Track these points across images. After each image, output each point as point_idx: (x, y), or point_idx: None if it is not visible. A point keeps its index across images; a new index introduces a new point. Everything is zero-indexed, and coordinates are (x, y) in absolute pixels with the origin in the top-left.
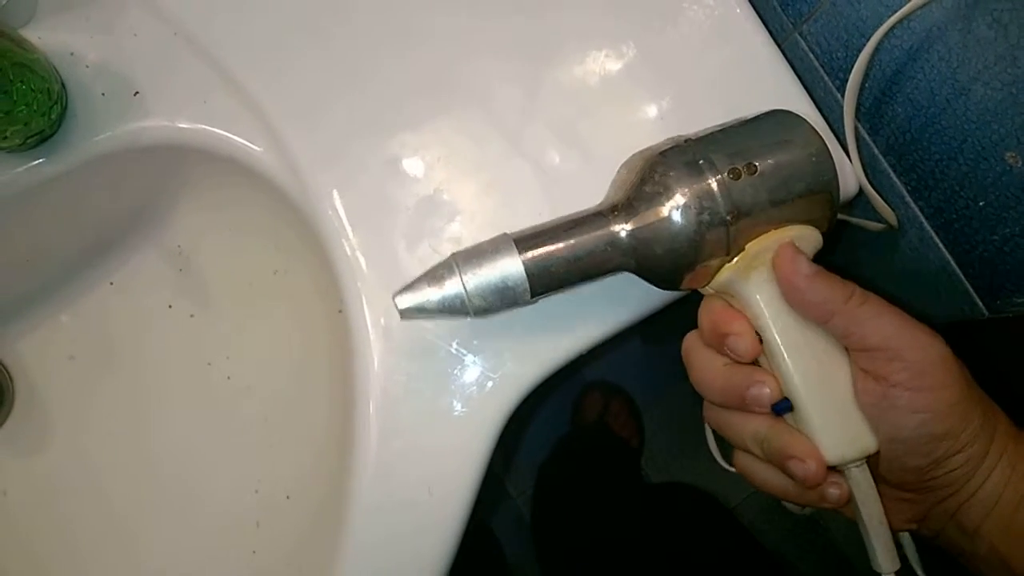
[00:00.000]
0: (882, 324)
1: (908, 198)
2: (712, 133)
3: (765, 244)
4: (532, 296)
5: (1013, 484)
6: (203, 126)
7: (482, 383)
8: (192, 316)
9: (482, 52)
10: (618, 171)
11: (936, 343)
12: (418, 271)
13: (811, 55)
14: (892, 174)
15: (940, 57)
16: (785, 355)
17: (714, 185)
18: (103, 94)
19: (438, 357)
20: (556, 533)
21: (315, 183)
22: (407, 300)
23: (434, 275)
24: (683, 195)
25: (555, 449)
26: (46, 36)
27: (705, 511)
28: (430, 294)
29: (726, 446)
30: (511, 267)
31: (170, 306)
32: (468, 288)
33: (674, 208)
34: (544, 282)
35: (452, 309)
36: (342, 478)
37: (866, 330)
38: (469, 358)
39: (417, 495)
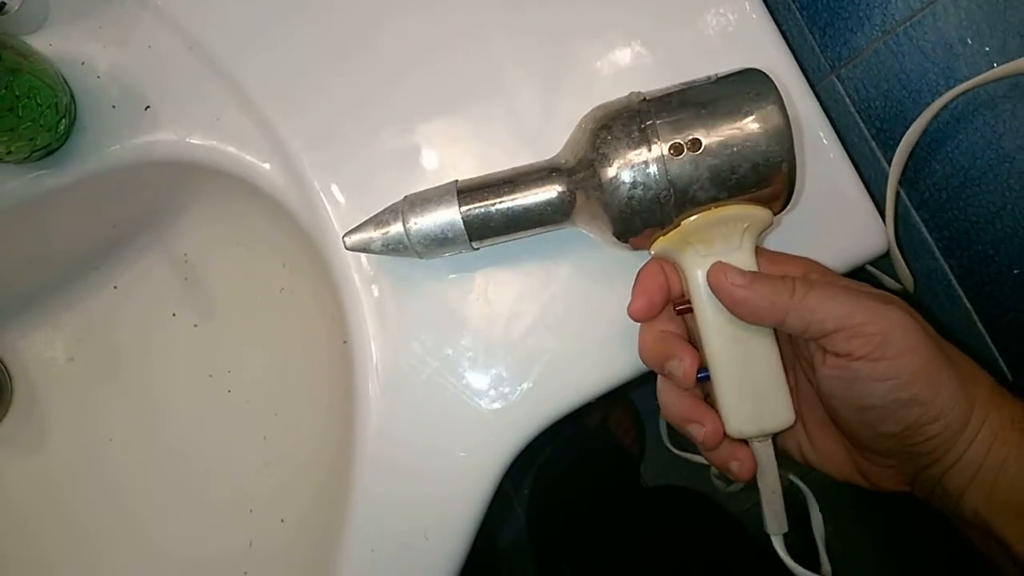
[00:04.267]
0: (835, 306)
1: (939, 255)
2: (669, 95)
3: (702, 221)
4: (472, 245)
5: (995, 450)
6: (214, 143)
7: (485, 426)
8: (195, 326)
9: (502, 81)
10: (577, 124)
11: (893, 311)
12: (426, 308)
13: (847, 99)
14: (924, 229)
15: (987, 123)
16: (708, 329)
17: (652, 159)
18: (113, 106)
19: (442, 399)
20: (553, 537)
21: (324, 207)
22: (352, 240)
23: (380, 219)
24: (620, 166)
25: (554, 452)
26: (57, 44)
27: (706, 520)
28: (374, 236)
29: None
30: (451, 218)
31: (174, 314)
32: (410, 234)
33: (610, 178)
34: (483, 233)
35: (395, 251)
36: (338, 510)
37: (821, 316)
38: (474, 401)
39: (412, 538)
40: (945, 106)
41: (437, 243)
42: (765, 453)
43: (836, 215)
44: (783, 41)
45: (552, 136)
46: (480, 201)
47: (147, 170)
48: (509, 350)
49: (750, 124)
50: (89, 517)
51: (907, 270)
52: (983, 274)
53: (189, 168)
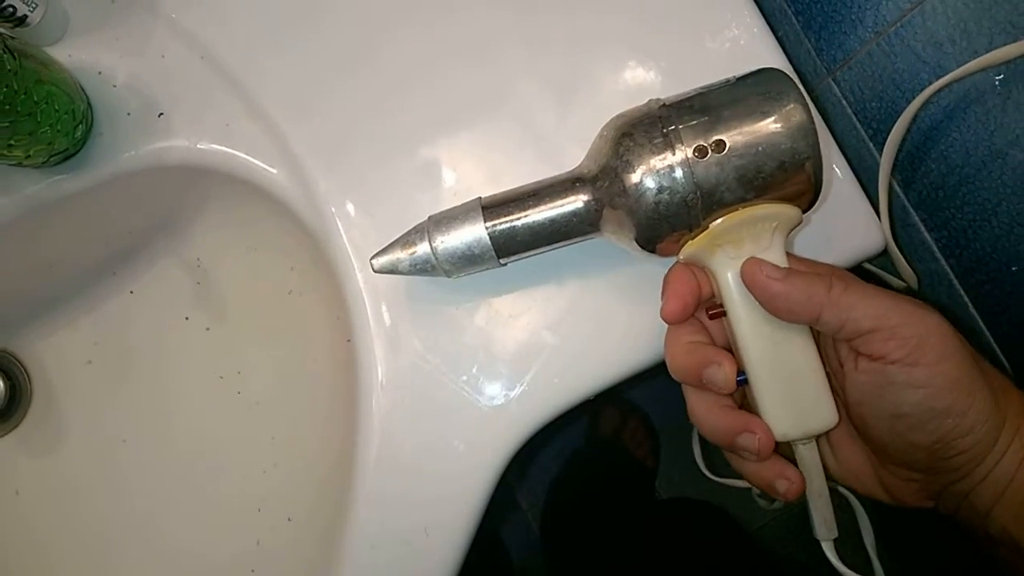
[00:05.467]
0: (873, 305)
1: (939, 254)
2: (689, 99)
3: (731, 223)
4: (500, 261)
5: None
6: (224, 148)
7: (486, 423)
8: (208, 329)
9: (508, 93)
10: (598, 134)
11: (930, 317)
12: (429, 308)
13: (844, 102)
14: (923, 229)
15: (978, 119)
16: (744, 330)
17: (677, 163)
18: (128, 113)
19: (444, 394)
20: (566, 549)
21: (330, 212)
22: (380, 262)
23: (407, 240)
24: (645, 172)
25: (569, 464)
26: (76, 54)
27: (721, 533)
28: (402, 257)
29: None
30: (477, 235)
31: (187, 318)
32: (437, 254)
33: (635, 185)
34: (509, 248)
35: (423, 270)
36: (342, 507)
37: (857, 315)
38: (474, 397)
39: (413, 533)
40: (931, 98)
41: (465, 261)
42: (810, 456)
43: (834, 214)
44: (779, 48)
45: (565, 149)
46: (505, 216)
47: (160, 175)
48: (509, 347)
49: (773, 122)
50: (102, 516)
51: (908, 267)
52: (982, 272)
53: (200, 173)
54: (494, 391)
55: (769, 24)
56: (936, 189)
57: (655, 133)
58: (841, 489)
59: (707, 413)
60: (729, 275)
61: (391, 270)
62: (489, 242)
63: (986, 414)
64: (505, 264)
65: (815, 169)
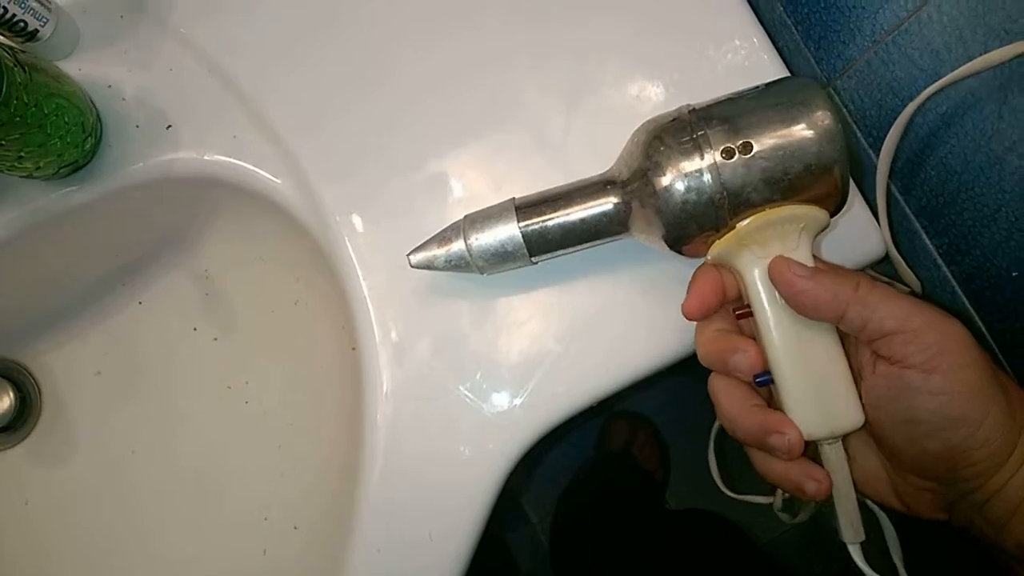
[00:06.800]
0: (896, 307)
1: (940, 261)
2: (718, 103)
3: (757, 223)
4: (532, 259)
5: None
6: (231, 159)
7: (489, 429)
8: (215, 340)
9: (519, 106)
10: (629, 138)
11: (952, 324)
12: (433, 315)
13: (844, 110)
14: (924, 236)
15: (975, 125)
16: (770, 329)
17: (705, 165)
18: (137, 126)
19: (447, 400)
20: (576, 562)
21: (335, 222)
22: (417, 258)
23: (443, 237)
24: (673, 173)
25: (577, 475)
26: (86, 68)
27: (731, 548)
28: (438, 253)
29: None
30: (511, 233)
31: (195, 329)
32: (471, 251)
33: (664, 187)
34: (542, 247)
35: (458, 267)
36: (348, 514)
37: (881, 314)
38: (478, 404)
39: (418, 537)
40: (929, 104)
41: (498, 258)
42: (836, 457)
43: (835, 221)
44: (780, 58)
45: (573, 160)
46: (538, 216)
47: (168, 186)
48: (513, 355)
49: (801, 126)
50: (109, 525)
51: (911, 273)
52: (983, 279)
53: (208, 184)
54: (499, 398)
55: (769, 35)
56: (936, 195)
57: (684, 137)
58: (868, 502)
59: (738, 412)
60: (756, 273)
61: (427, 266)
62: (522, 240)
63: (1002, 425)
64: (536, 263)
65: (842, 173)
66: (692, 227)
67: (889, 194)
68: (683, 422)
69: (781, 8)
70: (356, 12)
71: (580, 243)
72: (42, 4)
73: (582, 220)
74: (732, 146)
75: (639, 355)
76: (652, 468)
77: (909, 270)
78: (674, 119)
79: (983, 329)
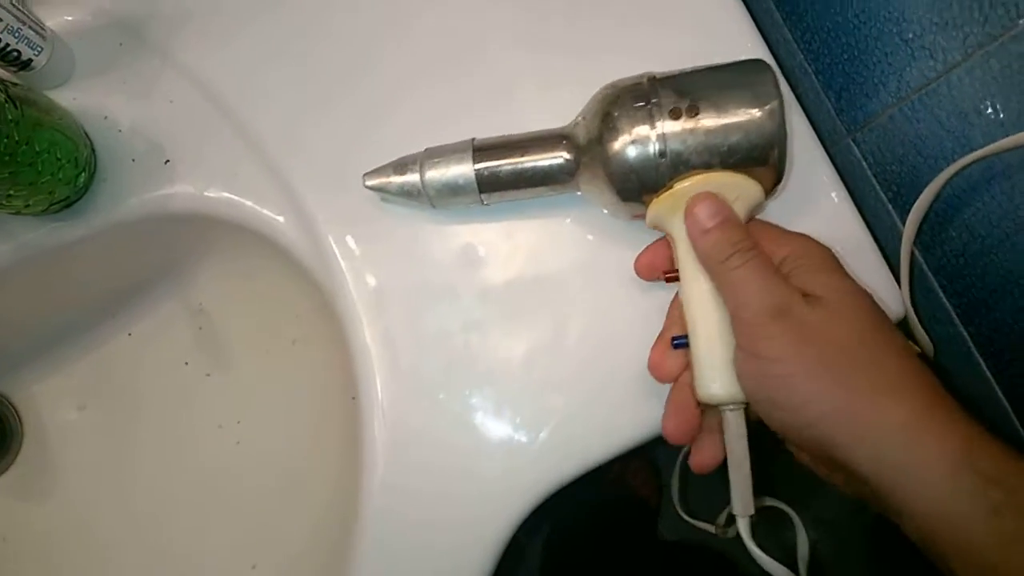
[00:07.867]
0: (751, 294)
1: (957, 321)
2: (676, 75)
3: (695, 185)
4: (481, 197)
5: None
6: (231, 196)
7: (491, 491)
8: (208, 375)
9: (499, 100)
10: (592, 96)
11: (807, 349)
12: (436, 368)
13: (864, 163)
14: (941, 294)
15: (1003, 191)
16: (688, 290)
17: (651, 123)
18: (133, 160)
19: (449, 458)
20: None
21: (338, 262)
22: (372, 181)
23: (400, 164)
24: (622, 131)
25: (571, 504)
26: (81, 98)
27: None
28: (393, 180)
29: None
30: (464, 172)
31: (186, 363)
32: (425, 183)
33: (611, 143)
34: (492, 188)
35: (410, 195)
36: (345, 562)
37: (738, 301)
38: (480, 462)
39: None
40: (958, 172)
41: (449, 191)
42: (735, 423)
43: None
44: (798, 103)
45: None
46: (494, 160)
47: (165, 222)
48: (520, 409)
49: (747, 100)
50: (88, 565)
51: (925, 335)
52: (1002, 342)
53: (206, 221)
54: (503, 453)
55: (789, 81)
56: (957, 256)
57: (640, 102)
58: (782, 505)
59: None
60: (684, 234)
61: (380, 189)
62: (475, 179)
63: (896, 432)
64: (487, 204)
65: (780, 147)
66: (633, 180)
67: (911, 251)
68: (678, 448)
69: (802, 56)
70: (367, 53)
71: (528, 187)
72: (37, 33)
73: (534, 170)
74: (680, 107)
75: (640, 422)
76: (646, 495)
77: (924, 332)
78: (634, 84)
79: (998, 390)
